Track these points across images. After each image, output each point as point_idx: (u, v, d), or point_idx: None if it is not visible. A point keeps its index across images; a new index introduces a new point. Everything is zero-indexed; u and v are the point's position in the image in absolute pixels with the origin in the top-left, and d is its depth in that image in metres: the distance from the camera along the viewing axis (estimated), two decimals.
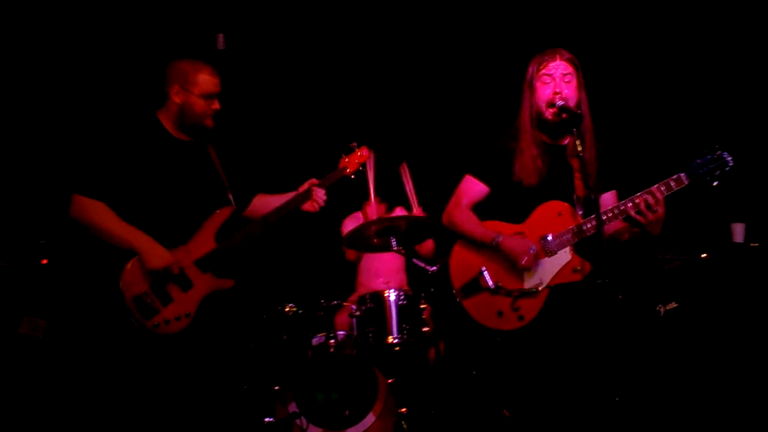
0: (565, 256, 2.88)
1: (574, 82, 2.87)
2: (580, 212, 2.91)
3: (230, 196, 3.11)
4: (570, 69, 2.86)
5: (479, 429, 3.71)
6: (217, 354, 3.17)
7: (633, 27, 4.77)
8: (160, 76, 3.00)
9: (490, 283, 2.90)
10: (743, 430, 3.52)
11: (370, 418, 3.67)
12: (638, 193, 2.76)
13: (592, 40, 4.66)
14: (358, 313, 3.96)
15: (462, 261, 3.00)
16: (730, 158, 2.74)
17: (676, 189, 2.76)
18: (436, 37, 5.16)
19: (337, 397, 3.71)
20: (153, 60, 3.07)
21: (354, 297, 4.31)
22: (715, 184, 2.75)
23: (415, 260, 4.50)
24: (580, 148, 2.73)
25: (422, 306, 3.99)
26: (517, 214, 2.97)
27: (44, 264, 3.89)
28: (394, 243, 4.10)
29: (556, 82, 2.84)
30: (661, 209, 2.74)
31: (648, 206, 2.73)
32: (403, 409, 3.69)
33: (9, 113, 4.53)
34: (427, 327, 3.97)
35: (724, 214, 4.28)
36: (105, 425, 2.93)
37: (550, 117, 2.87)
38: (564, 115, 2.83)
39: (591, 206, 2.78)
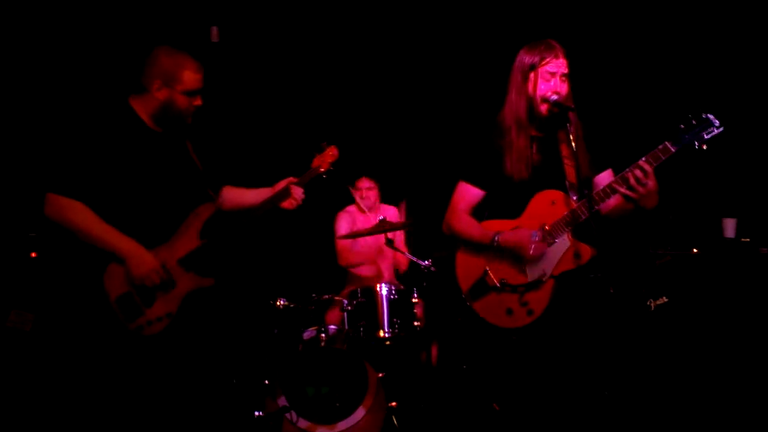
0: (564, 243, 2.87)
1: (567, 80, 2.88)
2: (575, 198, 2.90)
3: (210, 192, 3.03)
4: (567, 69, 2.86)
5: (470, 423, 3.71)
6: (200, 351, 3.10)
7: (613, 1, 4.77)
8: (140, 64, 2.84)
9: (495, 281, 2.90)
10: (734, 424, 3.52)
11: (360, 412, 3.67)
12: (626, 169, 2.74)
13: (569, 16, 4.67)
14: (349, 307, 3.96)
15: (466, 265, 2.99)
16: (716, 120, 2.70)
17: (664, 158, 2.71)
18: (415, 39, 5.19)
19: (327, 391, 3.70)
20: (146, 51, 2.92)
21: (346, 291, 4.31)
22: (704, 147, 2.70)
23: (408, 255, 4.52)
24: (573, 144, 2.73)
25: (414, 301, 4.00)
26: (513, 209, 2.96)
27: (33, 257, 3.87)
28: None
29: (557, 81, 2.84)
30: (651, 182, 2.71)
31: (638, 180, 2.71)
32: (394, 404, 3.69)
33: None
34: (419, 322, 3.98)
35: (716, 209, 4.29)
36: (90, 425, 2.84)
37: (544, 112, 2.86)
38: (555, 110, 2.83)
39: (584, 191, 2.77)
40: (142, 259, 2.73)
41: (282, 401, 3.63)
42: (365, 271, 4.71)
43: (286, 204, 3.08)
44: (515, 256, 2.89)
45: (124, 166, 2.75)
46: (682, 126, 2.71)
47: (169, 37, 4.76)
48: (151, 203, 2.81)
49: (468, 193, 3.03)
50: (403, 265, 4.79)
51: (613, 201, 2.83)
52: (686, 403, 3.61)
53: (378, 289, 3.96)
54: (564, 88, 2.85)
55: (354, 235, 4.41)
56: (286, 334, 3.93)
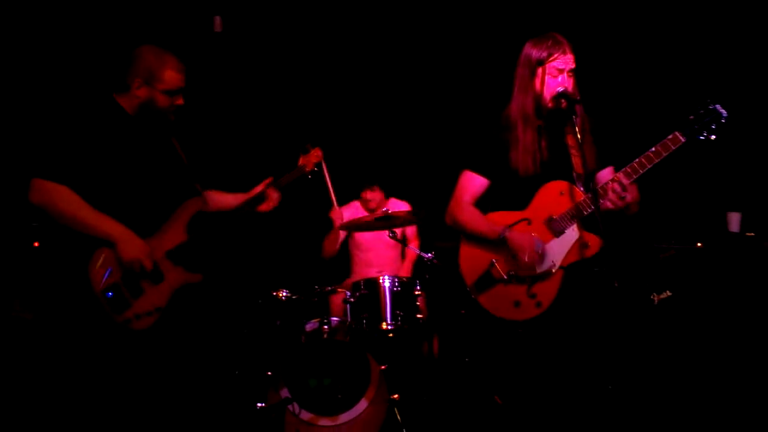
0: (573, 234, 2.86)
1: (573, 75, 2.86)
2: (581, 189, 2.89)
3: (198, 187, 3.00)
4: (574, 64, 2.84)
5: (472, 416, 3.71)
6: (193, 348, 3.07)
7: None
8: (124, 62, 2.81)
9: (503, 273, 2.88)
10: (738, 419, 3.52)
11: (362, 404, 3.67)
12: (634, 160, 2.75)
13: (576, 13, 4.65)
14: (352, 299, 3.95)
15: (471, 257, 2.96)
16: (723, 111, 2.71)
17: (674, 149, 2.72)
18: (421, 33, 5.16)
19: (329, 383, 3.70)
20: (147, 42, 2.89)
21: (348, 282, 4.30)
22: (712, 137, 2.72)
23: (410, 247, 4.51)
24: (579, 137, 2.72)
25: (417, 293, 3.99)
26: (520, 201, 2.94)
27: (36, 247, 3.87)
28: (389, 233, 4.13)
29: (565, 77, 2.82)
30: (630, 195, 2.74)
31: (616, 193, 2.72)
32: (396, 396, 3.69)
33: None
34: (422, 314, 3.97)
35: (720, 203, 4.27)
36: (78, 419, 2.77)
37: (551, 106, 2.85)
38: (563, 102, 2.81)
39: (589, 184, 2.76)
40: (132, 242, 2.68)
41: (284, 393, 3.63)
42: (370, 267, 4.70)
43: (263, 207, 3.06)
44: (517, 256, 2.87)
45: (108, 154, 2.71)
46: (691, 117, 2.71)
47: (172, 27, 4.76)
48: (137, 194, 2.77)
49: (472, 183, 3.00)
50: (406, 267, 4.76)
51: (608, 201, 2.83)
52: (690, 398, 3.60)
53: (381, 281, 3.95)
54: (571, 83, 2.84)
55: (352, 225, 4.37)
56: (289, 325, 3.92)
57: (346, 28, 5.19)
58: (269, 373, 3.64)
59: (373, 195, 4.73)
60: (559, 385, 2.86)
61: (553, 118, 2.90)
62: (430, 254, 4.01)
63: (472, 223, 2.96)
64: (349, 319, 3.95)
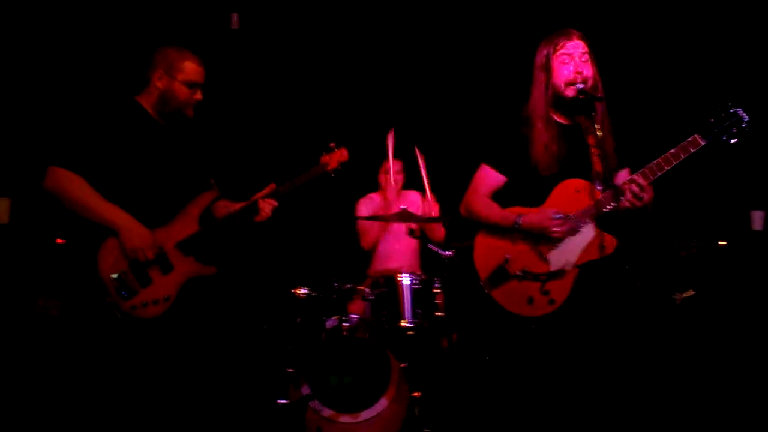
0: (589, 233, 2.84)
1: (590, 62, 2.84)
2: (599, 188, 2.87)
3: (212, 181, 3.03)
4: (586, 48, 2.83)
5: (492, 414, 3.70)
6: (203, 341, 3.08)
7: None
8: (145, 61, 2.90)
9: (516, 269, 2.87)
10: (760, 418, 3.49)
11: (382, 403, 3.67)
12: (652, 161, 2.74)
13: (597, 14, 4.61)
14: (371, 296, 3.95)
15: (485, 251, 2.96)
16: (745, 115, 2.69)
17: (693, 151, 2.71)
18: (447, 27, 5.13)
19: (350, 381, 3.71)
20: (164, 41, 2.94)
21: (368, 280, 4.30)
22: (733, 141, 2.70)
23: (430, 245, 4.49)
24: (600, 133, 2.70)
25: (436, 290, 3.98)
26: (536, 197, 2.93)
27: (60, 243, 3.90)
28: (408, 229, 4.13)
29: (576, 61, 2.80)
30: (647, 195, 2.73)
31: (634, 195, 2.71)
32: (417, 394, 3.69)
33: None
34: (441, 312, 3.96)
35: (744, 201, 4.24)
36: (81, 409, 2.80)
37: (571, 94, 2.83)
38: (581, 96, 2.80)
39: (609, 182, 2.75)
40: (135, 231, 2.74)
41: (305, 390, 3.64)
42: (391, 265, 4.70)
43: (257, 218, 3.01)
44: (538, 243, 2.86)
45: (124, 148, 2.79)
46: (712, 120, 2.69)
47: (189, 24, 4.77)
48: (150, 186, 2.84)
49: (489, 178, 3.00)
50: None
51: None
52: (711, 397, 3.58)
53: (400, 278, 3.95)
54: (588, 69, 2.81)
55: (375, 218, 4.39)
56: (309, 323, 3.92)
57: (365, 23, 5.18)
58: (290, 370, 3.66)
59: (398, 167, 4.69)
60: (570, 383, 2.85)
61: (572, 110, 2.88)
62: (449, 252, 4.00)
63: (487, 211, 2.96)
64: (368, 317, 3.95)
